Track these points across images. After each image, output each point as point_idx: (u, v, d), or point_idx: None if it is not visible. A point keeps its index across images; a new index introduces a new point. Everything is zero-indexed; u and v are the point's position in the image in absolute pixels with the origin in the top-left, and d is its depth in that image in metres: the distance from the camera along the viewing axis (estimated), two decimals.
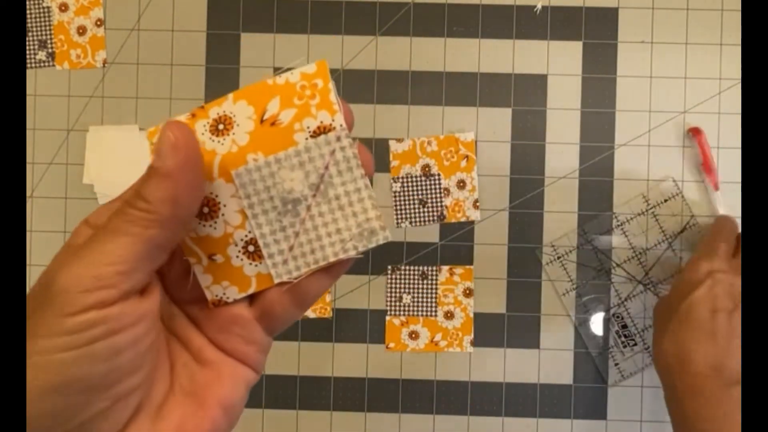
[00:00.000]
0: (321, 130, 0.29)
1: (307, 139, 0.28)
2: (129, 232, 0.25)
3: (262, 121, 0.28)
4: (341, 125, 0.29)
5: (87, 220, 0.28)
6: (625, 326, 0.60)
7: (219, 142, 0.28)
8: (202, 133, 0.28)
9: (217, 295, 0.30)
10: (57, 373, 0.24)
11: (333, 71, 0.61)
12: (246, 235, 0.29)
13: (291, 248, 0.29)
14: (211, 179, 0.29)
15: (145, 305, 0.26)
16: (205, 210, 0.29)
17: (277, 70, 0.62)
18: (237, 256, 0.30)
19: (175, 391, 0.29)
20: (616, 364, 0.60)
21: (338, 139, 0.29)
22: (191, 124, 0.28)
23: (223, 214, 0.29)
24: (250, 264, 0.30)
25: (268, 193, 0.29)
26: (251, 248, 0.30)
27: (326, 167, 0.29)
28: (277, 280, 0.29)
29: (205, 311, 0.30)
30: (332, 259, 0.29)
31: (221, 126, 0.28)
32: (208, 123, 0.28)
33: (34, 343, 0.24)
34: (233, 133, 0.28)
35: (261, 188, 0.29)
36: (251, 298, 0.31)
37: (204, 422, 0.28)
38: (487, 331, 0.61)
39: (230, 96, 0.29)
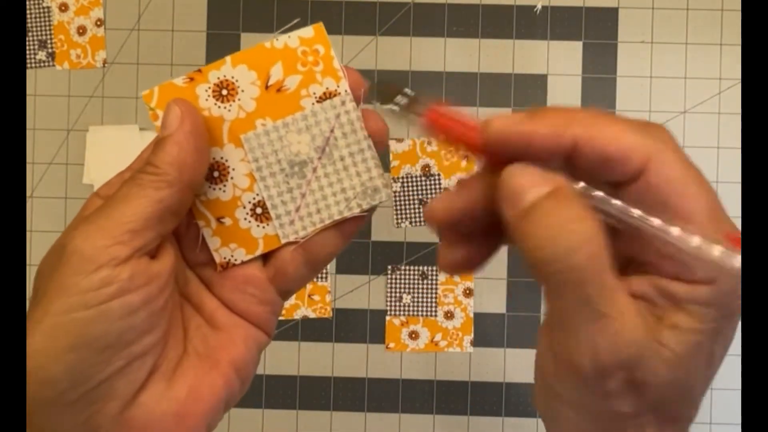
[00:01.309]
0: (327, 96, 0.30)
1: (313, 104, 0.30)
2: (140, 195, 0.26)
3: (267, 87, 0.29)
4: (345, 90, 0.30)
5: (97, 192, 0.29)
6: None
7: (226, 108, 0.29)
8: (206, 99, 0.29)
9: (225, 258, 0.31)
10: (74, 332, 0.25)
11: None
12: (254, 198, 0.30)
13: (297, 209, 0.30)
14: (220, 145, 0.30)
15: (158, 266, 0.27)
16: (215, 174, 0.30)
17: None
18: (245, 219, 0.31)
19: (189, 353, 0.29)
20: None
21: (343, 103, 0.30)
22: (191, 88, 0.29)
23: (232, 178, 0.30)
24: (258, 226, 0.31)
25: (275, 156, 0.30)
26: (259, 210, 0.31)
27: (332, 130, 0.30)
28: (284, 240, 0.30)
29: (218, 272, 0.31)
30: (337, 218, 0.30)
31: (224, 91, 0.29)
32: (209, 88, 0.29)
33: (51, 305, 0.25)
34: (239, 99, 0.29)
35: (269, 151, 0.30)
36: (264, 259, 0.31)
37: (217, 382, 0.29)
38: (487, 331, 0.61)
39: (228, 59, 0.29)
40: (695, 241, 0.23)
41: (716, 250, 0.23)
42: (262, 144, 0.30)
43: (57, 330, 0.25)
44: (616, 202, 0.24)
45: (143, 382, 0.27)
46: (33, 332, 0.25)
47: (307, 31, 0.29)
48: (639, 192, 0.23)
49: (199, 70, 0.29)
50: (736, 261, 0.23)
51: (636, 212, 0.24)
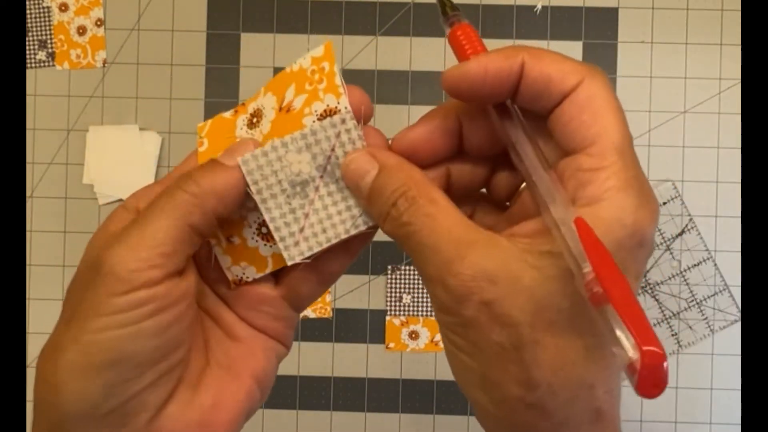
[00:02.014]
0: (327, 113, 0.29)
1: (314, 122, 0.29)
2: (171, 216, 0.27)
3: (281, 109, 0.30)
4: (346, 108, 0.29)
5: (125, 204, 0.30)
6: None
7: (251, 134, 0.30)
8: (241, 128, 0.30)
9: (237, 275, 0.31)
10: (111, 349, 0.26)
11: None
12: (259, 217, 0.30)
13: (302, 230, 0.30)
14: None
15: (185, 284, 0.28)
16: None
17: (278, 70, 0.62)
18: (252, 238, 0.31)
19: (211, 365, 0.30)
20: None
21: (343, 121, 0.29)
22: (234, 120, 0.30)
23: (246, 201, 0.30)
24: (265, 245, 0.31)
25: (276, 177, 0.29)
26: (264, 230, 0.31)
27: (332, 149, 0.29)
28: (290, 263, 0.30)
29: (233, 290, 0.32)
30: (344, 236, 0.30)
31: (255, 119, 0.30)
32: (246, 118, 0.30)
33: (87, 323, 0.26)
34: (261, 124, 0.30)
35: (268, 172, 0.29)
36: (276, 277, 0.32)
37: (239, 393, 0.30)
38: None
39: (262, 89, 0.30)
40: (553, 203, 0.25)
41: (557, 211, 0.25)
42: (260, 165, 0.29)
43: (93, 347, 0.25)
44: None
45: (170, 394, 0.28)
46: (68, 349, 0.26)
47: (318, 50, 0.29)
48: (563, 113, 0.26)
49: (243, 104, 0.30)
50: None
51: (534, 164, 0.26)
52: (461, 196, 0.30)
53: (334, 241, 0.30)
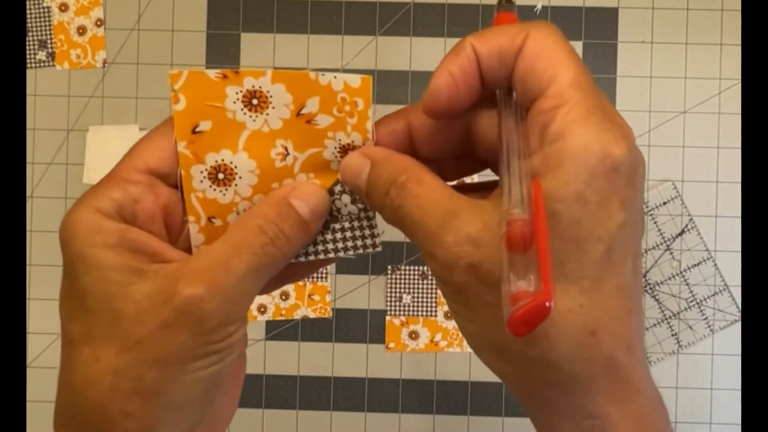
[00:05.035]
0: (349, 147, 0.29)
1: (336, 148, 0.29)
2: (255, 270, 0.27)
3: (298, 114, 0.29)
4: None
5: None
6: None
7: (251, 117, 0.29)
8: (234, 102, 0.29)
9: None
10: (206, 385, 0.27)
11: (333, 71, 0.61)
12: (249, 207, 0.30)
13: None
14: (234, 150, 0.29)
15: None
16: (221, 176, 0.29)
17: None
18: None
19: None
20: None
21: None
22: (222, 85, 0.29)
23: (236, 185, 0.30)
24: None
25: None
26: None
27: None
28: None
29: None
30: (322, 257, 0.31)
31: (255, 101, 0.29)
32: (241, 92, 0.29)
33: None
34: (267, 114, 0.29)
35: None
36: None
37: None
38: None
39: (268, 73, 0.29)
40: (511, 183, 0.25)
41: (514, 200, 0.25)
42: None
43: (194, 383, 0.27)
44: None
45: None
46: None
47: (354, 80, 0.29)
48: (518, 71, 0.26)
49: (236, 71, 0.29)
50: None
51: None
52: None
53: (312, 258, 0.31)
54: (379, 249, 0.31)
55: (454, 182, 0.29)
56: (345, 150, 0.29)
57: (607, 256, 0.24)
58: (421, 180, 0.27)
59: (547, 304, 0.21)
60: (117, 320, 0.25)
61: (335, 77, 0.29)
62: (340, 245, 0.31)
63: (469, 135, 0.29)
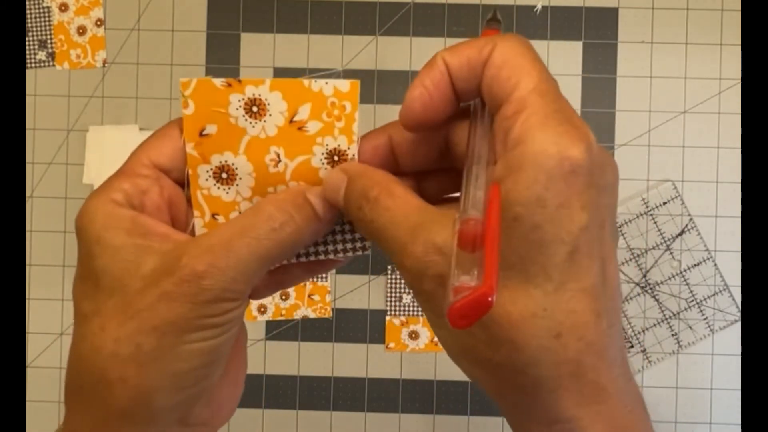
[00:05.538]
0: (335, 152, 0.30)
1: (323, 154, 0.30)
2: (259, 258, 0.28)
3: (291, 121, 0.30)
4: (354, 156, 0.30)
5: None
6: (622, 328, 0.60)
7: (251, 123, 0.30)
8: (237, 108, 0.30)
9: None
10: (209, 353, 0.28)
11: (333, 71, 0.61)
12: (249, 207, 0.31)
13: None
14: (235, 153, 0.31)
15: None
16: (224, 175, 0.31)
17: (278, 70, 0.62)
18: None
19: None
20: None
21: None
22: (226, 94, 0.30)
23: (237, 185, 0.31)
24: None
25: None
26: None
27: None
28: None
29: None
30: (313, 258, 0.32)
31: (255, 108, 0.30)
32: (242, 99, 0.30)
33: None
34: (264, 121, 0.30)
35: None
36: None
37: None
38: None
39: (267, 82, 0.30)
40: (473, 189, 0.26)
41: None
42: None
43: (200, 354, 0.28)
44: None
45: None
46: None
47: (343, 85, 0.30)
48: (485, 79, 0.26)
49: (239, 80, 0.30)
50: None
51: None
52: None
53: (303, 259, 0.32)
54: (368, 251, 0.32)
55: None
56: (331, 155, 0.30)
57: (570, 258, 0.24)
58: (392, 193, 0.27)
59: (490, 298, 0.21)
60: (125, 294, 0.27)
61: (326, 83, 0.30)
62: (330, 247, 0.32)
63: (447, 147, 0.30)
